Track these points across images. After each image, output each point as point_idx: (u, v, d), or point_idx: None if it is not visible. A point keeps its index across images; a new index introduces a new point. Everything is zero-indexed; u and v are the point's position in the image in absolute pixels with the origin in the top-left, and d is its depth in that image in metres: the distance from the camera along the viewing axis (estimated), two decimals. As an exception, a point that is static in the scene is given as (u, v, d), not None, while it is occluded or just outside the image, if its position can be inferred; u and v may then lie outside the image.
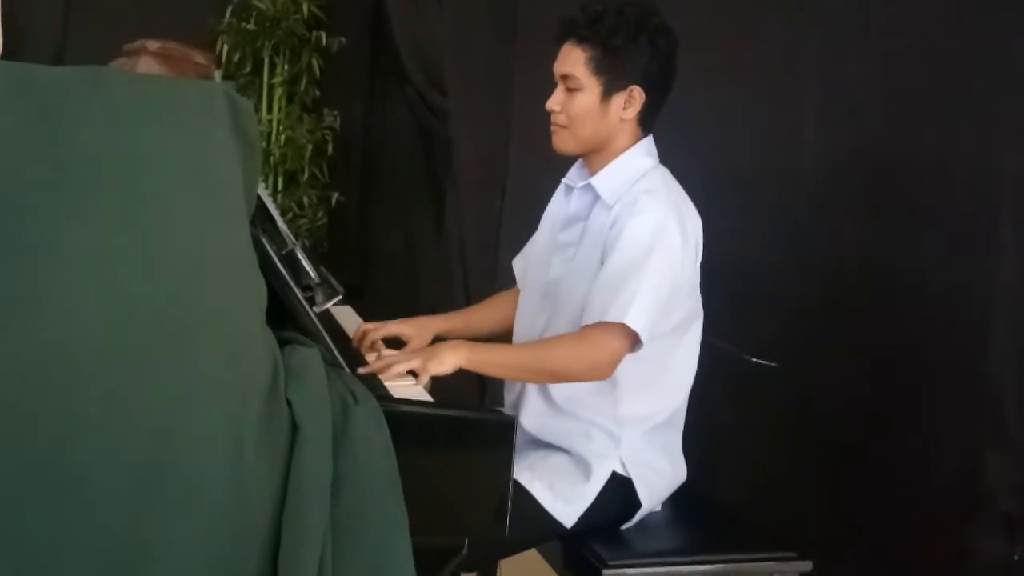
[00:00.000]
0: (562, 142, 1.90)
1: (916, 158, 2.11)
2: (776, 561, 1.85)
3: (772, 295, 2.44)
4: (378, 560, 1.32)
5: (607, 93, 1.85)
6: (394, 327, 2.02)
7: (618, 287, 1.75)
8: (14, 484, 1.13)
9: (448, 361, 1.69)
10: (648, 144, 1.93)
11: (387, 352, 1.79)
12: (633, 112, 1.87)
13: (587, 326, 1.76)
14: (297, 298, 1.57)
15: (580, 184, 1.94)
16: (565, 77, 1.86)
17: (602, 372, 1.77)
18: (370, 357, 1.81)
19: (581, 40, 1.84)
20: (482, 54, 3.48)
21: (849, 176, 2.28)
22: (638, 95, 1.86)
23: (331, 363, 1.48)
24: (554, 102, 1.88)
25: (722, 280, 2.39)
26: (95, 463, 1.16)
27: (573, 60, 1.85)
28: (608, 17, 1.82)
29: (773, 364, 2.39)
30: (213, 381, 1.24)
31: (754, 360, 2.42)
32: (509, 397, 2.02)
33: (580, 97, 1.85)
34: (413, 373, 1.68)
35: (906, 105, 2.14)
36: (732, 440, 2.46)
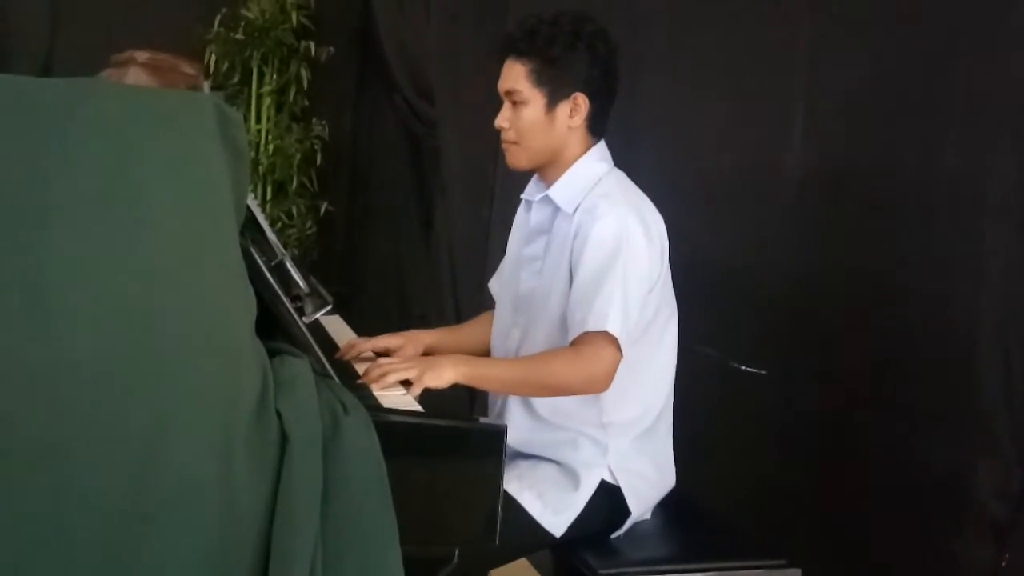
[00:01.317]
0: (514, 158, 1.93)
1: (904, 161, 2.13)
2: (765, 568, 1.85)
3: (760, 301, 2.45)
4: (368, 570, 1.32)
5: (552, 103, 1.87)
6: (383, 341, 2.02)
7: (592, 296, 1.76)
8: (4, 491, 1.13)
9: (446, 375, 1.69)
10: (600, 149, 1.94)
11: (383, 359, 1.79)
12: (580, 119, 1.89)
13: (577, 340, 1.77)
14: (287, 308, 1.57)
15: (538, 197, 1.95)
16: (509, 92, 1.89)
17: (600, 384, 1.77)
18: (361, 367, 1.81)
19: (520, 55, 1.87)
20: (470, 62, 3.49)
21: (838, 181, 2.29)
22: (583, 102, 1.87)
23: (321, 373, 1.48)
24: (502, 119, 1.91)
25: (710, 287, 2.41)
26: (85, 472, 1.16)
27: (515, 75, 1.87)
28: (544, 28, 1.85)
29: (762, 372, 2.40)
30: (202, 392, 1.24)
31: (743, 368, 2.43)
32: (491, 411, 2.02)
33: (526, 111, 1.87)
34: (407, 384, 1.68)
35: (893, 108, 2.16)
36: (721, 447, 2.47)
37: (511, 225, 2.13)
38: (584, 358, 1.76)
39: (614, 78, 1.91)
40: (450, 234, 3.69)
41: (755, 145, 2.48)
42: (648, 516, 1.97)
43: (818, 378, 2.29)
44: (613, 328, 1.73)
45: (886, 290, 2.17)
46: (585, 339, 1.76)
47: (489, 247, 3.37)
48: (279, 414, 1.32)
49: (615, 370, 1.76)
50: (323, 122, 4.19)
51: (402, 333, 2.07)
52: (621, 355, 1.76)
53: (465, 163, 3.58)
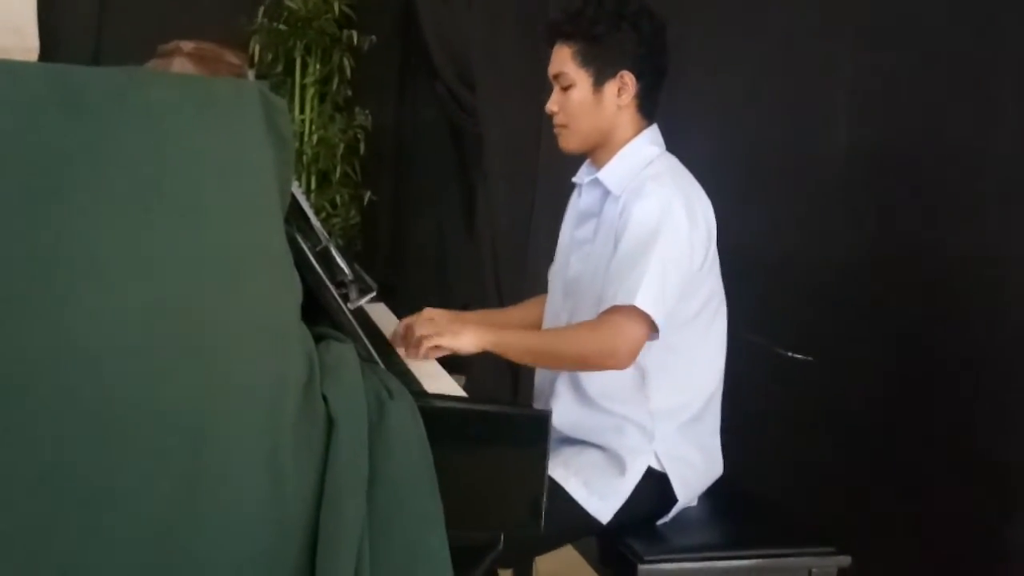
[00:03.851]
0: (565, 141, 1.93)
1: (953, 145, 2.09)
2: (814, 556, 1.82)
3: (807, 289, 2.42)
4: (414, 554, 1.32)
5: (598, 83, 1.87)
6: (428, 312, 2.03)
7: (627, 272, 1.75)
8: (47, 487, 1.14)
9: (466, 338, 1.72)
10: (652, 133, 1.93)
11: (407, 320, 1.83)
12: (628, 98, 1.88)
13: (604, 313, 1.76)
14: (332, 294, 1.57)
15: (587, 180, 1.95)
16: (557, 76, 1.90)
17: (620, 359, 1.75)
18: (402, 352, 1.82)
19: (566, 38, 1.88)
20: (511, 49, 3.48)
21: (882, 170, 2.26)
22: (629, 80, 1.87)
23: (366, 359, 1.49)
24: (552, 103, 1.91)
25: (756, 274, 2.38)
26: (129, 464, 1.17)
27: (562, 58, 1.88)
28: (588, 10, 1.86)
29: (808, 358, 2.37)
30: (249, 378, 1.25)
31: (789, 354, 2.40)
32: (539, 394, 2.02)
33: (574, 93, 1.88)
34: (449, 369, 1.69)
35: (939, 99, 2.12)
36: (768, 434, 2.44)
37: (554, 212, 2.12)
38: (604, 331, 1.75)
39: (661, 56, 1.90)
40: (493, 222, 3.69)
41: (802, 130, 2.45)
42: (695, 503, 1.96)
43: (866, 365, 2.26)
44: (642, 303, 1.71)
45: (935, 276, 2.13)
46: (612, 312, 1.75)
47: (532, 234, 3.36)
48: (325, 399, 1.32)
49: (639, 347, 1.75)
50: (366, 111, 4.20)
51: (447, 311, 2.07)
52: (650, 333, 1.75)
53: (508, 150, 3.58)
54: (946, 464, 2.07)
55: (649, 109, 1.92)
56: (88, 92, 1.24)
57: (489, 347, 1.74)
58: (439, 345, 1.74)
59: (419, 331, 1.75)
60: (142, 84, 1.30)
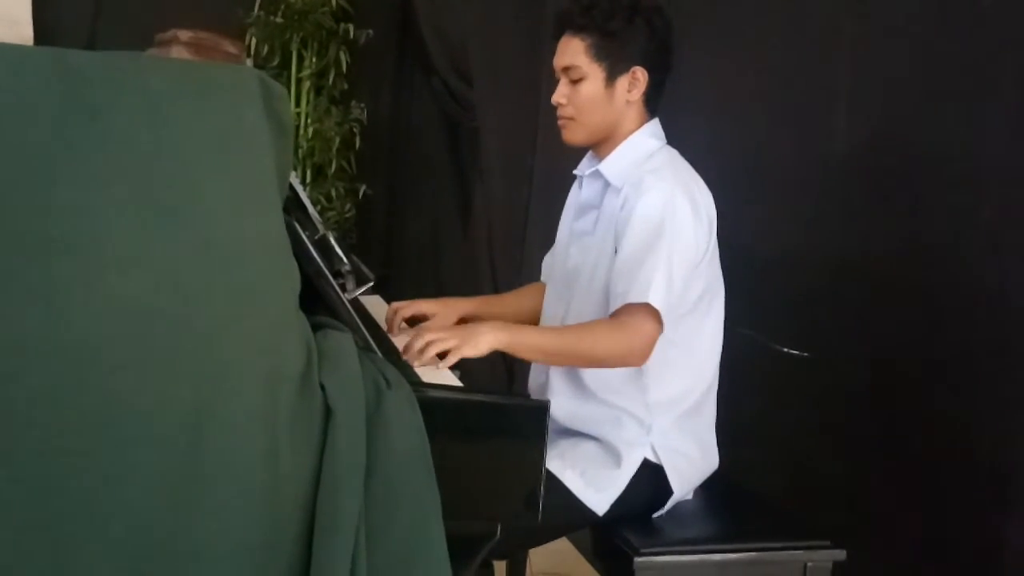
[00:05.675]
0: (571, 134, 1.92)
1: (952, 142, 2.09)
2: (810, 550, 1.82)
3: (803, 283, 2.42)
4: (411, 543, 1.32)
5: (611, 78, 1.87)
6: (422, 305, 2.05)
7: (636, 268, 1.75)
8: (47, 474, 1.14)
9: (484, 343, 1.66)
10: (654, 126, 1.93)
11: (421, 327, 1.79)
12: (638, 93, 1.88)
13: (617, 312, 1.76)
14: (330, 284, 1.57)
15: (588, 172, 1.95)
16: (567, 69, 1.88)
17: (638, 357, 1.76)
18: (399, 341, 1.81)
19: (579, 30, 1.86)
20: (508, 44, 3.47)
21: (883, 167, 2.26)
22: (642, 76, 1.87)
23: (364, 348, 1.48)
24: (559, 95, 1.90)
25: (754, 270, 2.38)
26: (128, 452, 1.16)
27: (573, 51, 1.87)
28: (602, 3, 1.85)
29: (804, 354, 2.38)
30: (246, 365, 1.24)
31: (786, 350, 2.40)
32: (534, 383, 2.01)
33: (585, 86, 1.87)
34: (443, 355, 1.67)
35: (939, 97, 2.12)
36: (764, 429, 2.45)
37: (551, 206, 2.12)
38: (624, 330, 1.75)
39: (670, 52, 1.91)
40: (488, 217, 3.68)
41: (801, 128, 2.45)
42: (690, 497, 1.96)
43: (863, 361, 2.26)
44: (655, 300, 1.72)
45: (933, 274, 2.13)
46: (626, 311, 1.75)
47: (528, 229, 3.36)
48: (323, 387, 1.32)
49: (654, 343, 1.75)
50: (362, 105, 4.20)
51: (440, 300, 2.08)
52: (662, 329, 1.76)
53: (504, 145, 3.57)
54: (943, 460, 2.07)
55: (653, 105, 1.93)
56: (86, 76, 1.23)
57: (504, 347, 1.69)
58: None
59: (435, 349, 1.65)
60: (141, 69, 1.29)
